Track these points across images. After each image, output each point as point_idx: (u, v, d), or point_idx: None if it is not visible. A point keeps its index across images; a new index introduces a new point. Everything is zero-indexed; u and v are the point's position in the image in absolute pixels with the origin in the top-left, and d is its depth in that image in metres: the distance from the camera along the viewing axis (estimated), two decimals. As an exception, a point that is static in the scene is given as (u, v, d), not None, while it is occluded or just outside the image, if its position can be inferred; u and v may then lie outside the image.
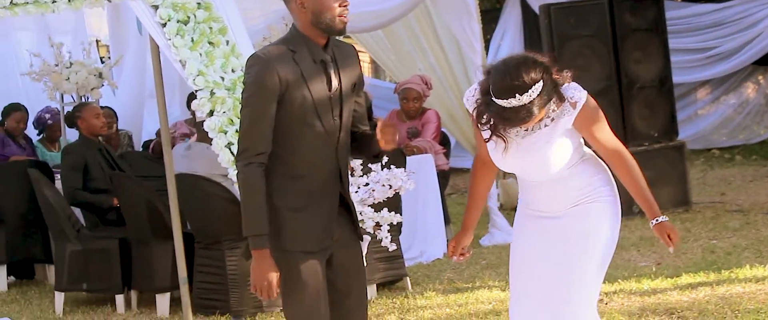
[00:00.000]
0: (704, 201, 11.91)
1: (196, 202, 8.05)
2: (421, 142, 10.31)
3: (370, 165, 7.21)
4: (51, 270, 9.73)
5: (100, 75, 11.47)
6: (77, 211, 9.22)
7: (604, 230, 4.79)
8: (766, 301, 7.05)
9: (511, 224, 10.00)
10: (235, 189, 7.52)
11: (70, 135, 11.12)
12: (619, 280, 8.07)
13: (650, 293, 7.65)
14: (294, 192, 4.61)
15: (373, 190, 7.23)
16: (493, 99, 4.50)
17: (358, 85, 4.77)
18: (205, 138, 8.05)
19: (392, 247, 7.13)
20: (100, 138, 9.55)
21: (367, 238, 7.03)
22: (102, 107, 11.38)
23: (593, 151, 4.87)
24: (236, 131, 7.31)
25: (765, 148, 16.33)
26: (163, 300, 8.32)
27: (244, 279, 7.84)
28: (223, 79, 7.45)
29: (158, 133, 11.97)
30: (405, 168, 8.35)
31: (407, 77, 11.28)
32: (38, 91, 12.19)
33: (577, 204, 4.75)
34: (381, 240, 7.20)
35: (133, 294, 8.66)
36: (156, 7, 7.52)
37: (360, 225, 6.61)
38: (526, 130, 4.67)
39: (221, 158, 7.37)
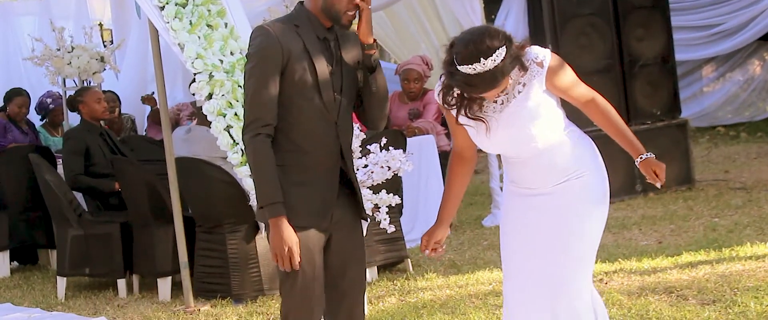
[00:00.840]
0: (708, 178, 11.90)
1: (197, 186, 8.05)
2: (423, 123, 10.31)
3: (368, 146, 7.20)
4: (54, 255, 9.75)
5: (102, 59, 11.47)
6: (79, 196, 9.24)
7: (594, 204, 4.78)
8: (765, 278, 7.04)
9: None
10: (235, 173, 7.52)
11: (73, 119, 11.13)
12: (620, 259, 8.06)
13: (650, 272, 7.64)
14: (294, 166, 4.63)
15: (372, 172, 7.22)
16: (458, 67, 4.50)
17: (359, 62, 4.77)
18: (204, 121, 8.05)
19: (391, 229, 7.12)
20: (102, 122, 9.55)
21: (365, 222, 7.03)
22: (105, 91, 11.40)
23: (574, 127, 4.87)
24: (235, 114, 7.31)
25: (770, 125, 16.32)
26: (164, 284, 8.33)
27: (245, 262, 7.85)
28: (221, 61, 7.44)
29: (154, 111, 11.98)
30: (405, 149, 8.35)
31: (410, 58, 11.26)
32: (40, 76, 12.21)
33: (566, 180, 4.73)
34: (380, 223, 7.19)
35: (135, 279, 8.67)
36: (154, -9, 7.52)
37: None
38: (502, 104, 4.67)
39: (220, 141, 7.37)
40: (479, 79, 4.48)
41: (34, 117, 11.83)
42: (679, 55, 14.01)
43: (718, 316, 6.35)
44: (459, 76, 4.52)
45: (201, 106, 7.52)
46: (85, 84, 11.22)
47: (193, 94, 7.57)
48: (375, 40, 4.79)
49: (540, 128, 4.66)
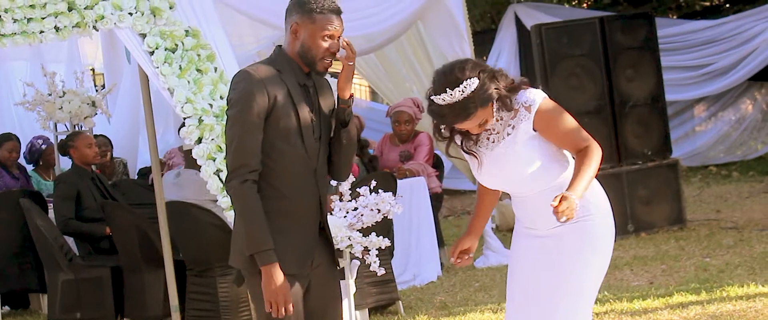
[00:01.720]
0: (699, 218, 11.92)
1: (187, 230, 8.05)
2: (414, 165, 10.33)
3: (358, 189, 7.21)
4: (45, 300, 9.72)
5: (93, 104, 11.48)
6: (70, 240, 9.23)
7: (592, 250, 4.75)
8: (756, 319, 7.04)
9: (505, 246, 10.09)
10: (226, 216, 7.52)
11: (64, 163, 11.13)
12: (611, 301, 8.06)
13: (641, 313, 7.64)
14: (274, 212, 4.60)
15: (362, 215, 7.21)
16: (432, 98, 4.55)
17: (332, 109, 4.79)
18: (193, 164, 8.05)
19: (381, 272, 7.10)
20: (93, 166, 9.56)
21: (356, 263, 7.03)
22: (96, 135, 11.41)
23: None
24: (224, 158, 7.31)
25: (762, 164, 16.35)
26: (155, 328, 8.32)
27: (236, 306, 7.84)
28: (211, 106, 7.45)
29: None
30: (396, 191, 8.35)
31: (401, 100, 11.29)
32: (32, 121, 12.21)
33: (570, 222, 4.67)
34: (370, 265, 7.19)
35: (126, 323, 8.66)
36: (144, 36, 7.52)
37: (348, 249, 6.66)
38: (493, 142, 4.69)
39: (210, 185, 7.36)
40: (448, 109, 4.52)
41: (23, 162, 11.82)
42: (670, 96, 14.08)
43: (709, 357, 6.35)
44: (433, 107, 4.58)
45: (189, 150, 7.53)
46: (77, 128, 11.23)
47: (183, 138, 7.58)
48: (352, 96, 4.76)
49: (531, 171, 4.66)
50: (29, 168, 11.73)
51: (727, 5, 19.37)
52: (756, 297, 7.70)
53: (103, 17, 7.26)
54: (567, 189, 4.52)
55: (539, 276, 4.79)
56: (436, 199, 10.50)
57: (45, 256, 8.95)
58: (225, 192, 7.33)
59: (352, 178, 7.25)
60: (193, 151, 7.41)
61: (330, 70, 4.81)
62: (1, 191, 10.47)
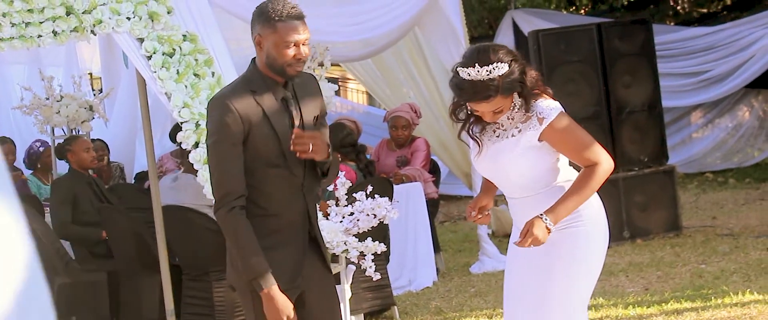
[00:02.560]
0: (695, 225, 11.93)
1: (184, 234, 8.06)
2: (411, 170, 10.34)
3: (354, 194, 7.22)
4: (41, 304, 9.71)
5: (91, 108, 11.49)
6: (67, 244, 9.24)
7: (582, 258, 4.77)
8: (751, 326, 7.06)
9: (501, 251, 10.10)
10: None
11: (61, 167, 11.14)
12: (606, 307, 8.08)
13: (636, 319, 7.65)
14: (262, 230, 4.60)
15: (358, 220, 7.23)
16: (457, 69, 4.57)
17: (319, 117, 4.77)
18: (191, 169, 8.07)
19: (376, 277, 7.12)
20: (90, 171, 9.57)
21: (351, 268, 7.05)
22: (93, 139, 11.42)
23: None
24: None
25: (759, 171, 16.38)
26: (151, 332, 8.33)
27: (232, 310, 7.85)
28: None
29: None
30: (392, 196, 8.37)
31: (398, 105, 11.31)
32: (29, 125, 12.22)
33: (562, 228, 4.68)
34: (366, 270, 7.20)
35: (122, 327, 8.68)
36: (142, 40, 7.54)
37: (344, 254, 6.67)
38: (498, 137, 4.71)
39: (207, 189, 7.37)
40: (470, 85, 4.52)
41: (21, 166, 11.82)
42: (667, 102, 14.10)
43: (703, 363, 6.37)
44: (455, 80, 4.59)
45: (187, 154, 7.54)
46: (74, 133, 11.24)
47: (179, 143, 7.60)
48: (329, 154, 4.70)
49: (519, 176, 4.68)
50: (28, 172, 11.73)
51: (725, 12, 19.40)
52: (751, 304, 7.72)
53: (101, 21, 7.27)
54: (547, 210, 4.56)
55: (531, 283, 4.80)
56: (433, 205, 10.51)
57: (41, 260, 8.90)
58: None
59: (348, 183, 7.27)
60: (190, 156, 7.42)
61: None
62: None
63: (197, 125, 7.39)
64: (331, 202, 6.78)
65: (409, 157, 10.63)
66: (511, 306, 4.92)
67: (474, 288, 9.50)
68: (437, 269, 10.21)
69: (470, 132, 4.79)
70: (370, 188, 7.32)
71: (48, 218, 9.43)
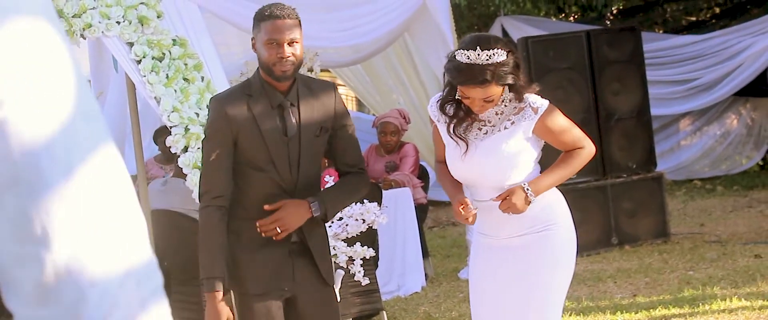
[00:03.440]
0: (683, 232, 11.96)
1: (172, 238, 8.06)
2: (399, 176, 10.36)
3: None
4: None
5: (80, 111, 11.48)
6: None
7: (560, 259, 4.80)
8: (738, 332, 7.08)
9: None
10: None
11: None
12: (595, 313, 8.09)
13: (624, 325, 7.68)
14: (246, 233, 4.65)
15: (347, 225, 7.26)
16: (455, 53, 4.62)
17: (324, 127, 4.76)
18: (179, 173, 8.07)
19: (365, 282, 7.16)
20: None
21: (340, 272, 7.06)
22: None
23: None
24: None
25: (746, 178, 16.42)
26: (139, 336, 8.30)
27: (220, 314, 7.85)
28: (198, 114, 7.47)
29: None
30: (381, 201, 8.39)
31: (387, 111, 11.32)
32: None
33: (532, 232, 4.73)
34: (355, 275, 7.22)
35: (111, 331, 8.64)
36: (131, 44, 7.55)
37: (333, 259, 6.68)
38: (486, 133, 4.73)
39: (195, 194, 7.38)
40: (467, 67, 4.57)
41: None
42: (656, 110, 14.14)
43: (690, 369, 6.38)
44: (452, 64, 4.64)
45: (176, 158, 7.55)
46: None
47: (162, 148, 7.61)
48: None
49: (514, 165, 4.69)
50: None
51: (713, 21, 19.44)
52: (738, 311, 7.74)
53: (90, 26, 7.28)
54: (530, 182, 4.65)
55: (506, 290, 4.81)
56: (421, 210, 10.52)
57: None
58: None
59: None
60: (179, 160, 7.43)
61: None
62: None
63: (186, 129, 7.40)
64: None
65: (397, 162, 10.64)
66: (490, 312, 4.91)
67: (462, 294, 9.50)
68: (426, 274, 10.22)
69: (455, 132, 4.80)
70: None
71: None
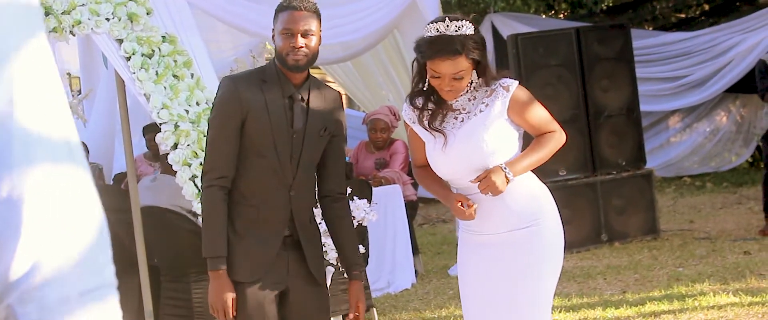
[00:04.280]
0: (673, 228, 11.98)
1: (162, 235, 8.05)
2: (389, 173, 10.36)
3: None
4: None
5: (70, 108, 11.46)
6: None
7: (548, 254, 4.78)
8: (727, 328, 7.10)
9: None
10: (200, 222, 7.53)
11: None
12: (584, 309, 8.11)
13: (614, 321, 7.69)
14: (239, 218, 4.65)
15: (337, 222, 7.25)
16: (425, 29, 4.66)
17: (327, 129, 4.74)
18: (169, 170, 8.07)
19: (355, 278, 7.14)
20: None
21: (330, 269, 7.06)
22: (72, 140, 11.38)
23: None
24: (200, 164, 7.34)
25: (735, 175, 16.46)
26: (129, 334, 8.32)
27: (210, 311, 7.84)
28: (187, 111, 7.47)
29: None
30: (371, 198, 8.39)
31: (377, 108, 11.33)
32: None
33: (519, 228, 4.70)
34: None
35: (100, 328, 8.63)
36: (121, 41, 7.54)
37: (323, 256, 6.67)
38: (462, 121, 4.71)
39: (185, 191, 7.37)
40: (438, 39, 4.58)
41: None
42: (646, 107, 14.15)
43: (679, 365, 6.39)
44: (420, 39, 4.65)
45: (165, 155, 7.55)
46: (53, 133, 11.20)
47: (151, 145, 7.60)
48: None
49: (494, 148, 4.65)
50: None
51: (703, 18, 19.47)
52: (727, 307, 7.76)
53: (80, 22, 7.27)
54: (507, 162, 4.62)
55: (494, 287, 4.78)
56: (411, 207, 10.53)
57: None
58: (199, 198, 7.36)
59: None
60: (169, 157, 7.43)
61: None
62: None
63: (176, 126, 7.39)
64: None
65: (387, 159, 10.65)
66: (475, 313, 4.90)
67: (452, 291, 9.50)
68: (416, 271, 10.23)
69: (432, 126, 4.78)
70: (348, 190, 7.33)
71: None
